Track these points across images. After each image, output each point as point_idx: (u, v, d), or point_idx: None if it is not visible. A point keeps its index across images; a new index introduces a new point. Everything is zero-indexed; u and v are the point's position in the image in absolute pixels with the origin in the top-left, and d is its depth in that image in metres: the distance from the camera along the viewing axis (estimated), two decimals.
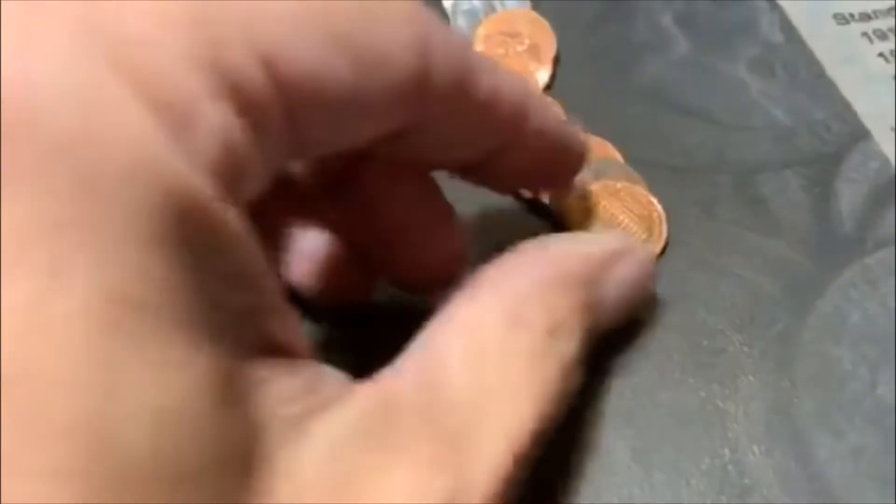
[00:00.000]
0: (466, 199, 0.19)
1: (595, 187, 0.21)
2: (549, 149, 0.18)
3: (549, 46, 0.25)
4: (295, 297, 0.18)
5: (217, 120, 0.11)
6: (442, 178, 0.18)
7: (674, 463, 0.18)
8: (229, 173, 0.11)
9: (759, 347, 0.20)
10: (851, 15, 0.27)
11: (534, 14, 0.25)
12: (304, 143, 0.13)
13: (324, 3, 0.13)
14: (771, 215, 0.22)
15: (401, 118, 0.14)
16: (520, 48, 0.25)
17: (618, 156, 0.22)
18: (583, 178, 0.20)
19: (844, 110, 0.24)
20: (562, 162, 0.18)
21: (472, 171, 0.18)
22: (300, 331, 0.13)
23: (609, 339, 0.20)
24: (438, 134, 0.16)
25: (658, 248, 0.21)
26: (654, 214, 0.21)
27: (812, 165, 0.23)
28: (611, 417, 0.19)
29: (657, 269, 0.19)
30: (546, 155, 0.18)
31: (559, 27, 0.25)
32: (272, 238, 0.18)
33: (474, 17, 0.26)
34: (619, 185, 0.21)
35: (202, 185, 0.11)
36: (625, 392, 0.19)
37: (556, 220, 0.21)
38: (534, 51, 0.25)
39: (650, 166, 0.22)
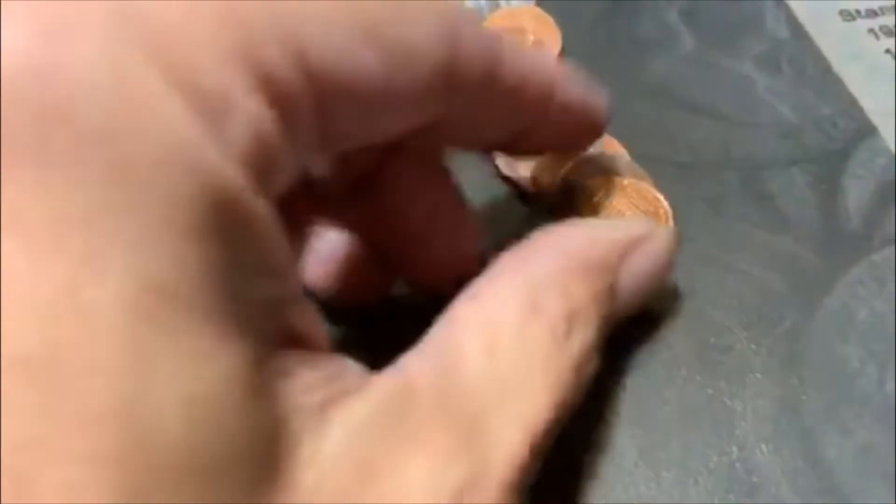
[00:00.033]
0: (467, 198, 0.19)
1: (601, 184, 0.21)
2: (575, 120, 0.18)
3: (554, 43, 0.25)
4: (310, 297, 0.18)
5: (250, 112, 0.11)
6: None
7: (681, 461, 0.18)
8: (260, 165, 0.11)
9: (767, 345, 0.20)
10: (858, 11, 0.27)
11: (538, 10, 0.25)
12: (332, 136, 0.13)
13: None
14: (778, 212, 0.22)
15: (430, 111, 0.14)
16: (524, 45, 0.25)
17: (624, 152, 0.22)
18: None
19: (851, 107, 0.24)
20: (586, 128, 0.19)
21: (497, 149, 0.18)
22: (320, 322, 0.13)
23: (615, 337, 0.20)
24: (467, 122, 0.16)
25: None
26: (661, 211, 0.21)
27: (819, 162, 0.23)
28: (618, 416, 0.19)
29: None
30: (571, 126, 0.18)
31: (564, 23, 0.25)
32: (291, 238, 0.18)
33: (479, 14, 0.26)
34: (625, 181, 0.21)
35: (235, 175, 0.11)
36: (632, 390, 0.19)
37: (560, 217, 0.21)
38: (539, 47, 0.25)
39: (656, 163, 0.22)
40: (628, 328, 0.19)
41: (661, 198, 0.21)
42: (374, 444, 0.12)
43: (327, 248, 0.18)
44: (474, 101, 0.15)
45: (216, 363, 0.10)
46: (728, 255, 0.21)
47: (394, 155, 0.17)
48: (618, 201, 0.21)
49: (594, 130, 0.19)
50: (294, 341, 0.12)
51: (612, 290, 0.16)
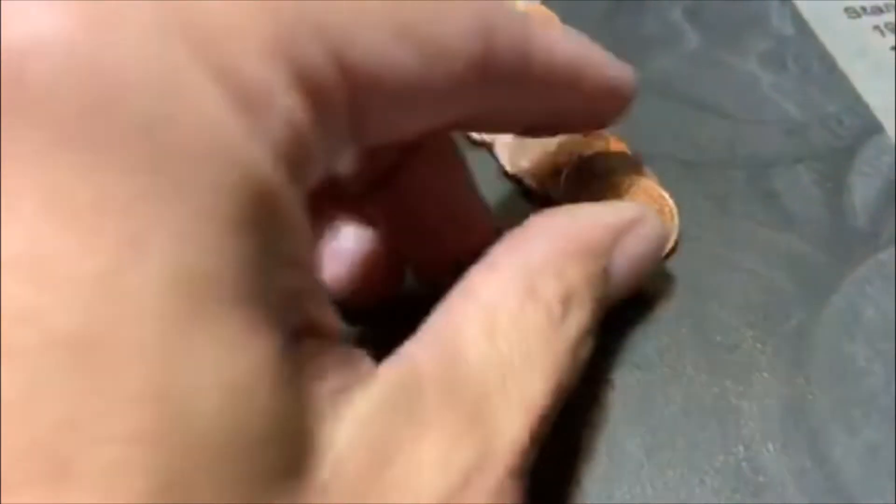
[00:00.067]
0: None
1: (605, 181, 0.21)
2: (603, 99, 0.18)
3: None
4: None
5: (287, 107, 0.11)
6: None
7: (687, 460, 0.18)
8: (295, 159, 0.12)
9: (773, 343, 0.19)
10: (863, 8, 0.27)
11: (543, 8, 0.25)
12: (365, 131, 0.13)
13: None
14: (784, 210, 0.22)
15: (463, 106, 0.15)
16: None
17: (629, 150, 0.22)
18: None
19: (857, 104, 0.24)
20: (613, 105, 0.19)
21: (528, 133, 0.18)
22: (334, 314, 0.13)
23: (620, 336, 0.19)
24: (500, 110, 0.16)
25: (671, 244, 0.20)
26: (667, 209, 0.21)
27: (825, 159, 0.23)
28: (623, 415, 0.18)
29: (668, 259, 0.19)
30: (599, 104, 0.18)
31: (569, 21, 0.25)
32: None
33: None
34: (630, 179, 0.21)
35: (272, 168, 0.11)
36: (637, 389, 0.19)
37: None
38: None
39: (661, 161, 0.22)
40: (632, 327, 0.19)
41: (667, 195, 0.21)
42: (386, 430, 0.12)
43: (342, 248, 0.19)
44: (507, 90, 0.15)
45: (249, 350, 0.10)
46: (734, 254, 0.21)
47: (412, 150, 0.17)
48: (622, 199, 0.21)
49: (622, 104, 0.19)
50: (311, 331, 0.12)
51: (605, 273, 0.16)
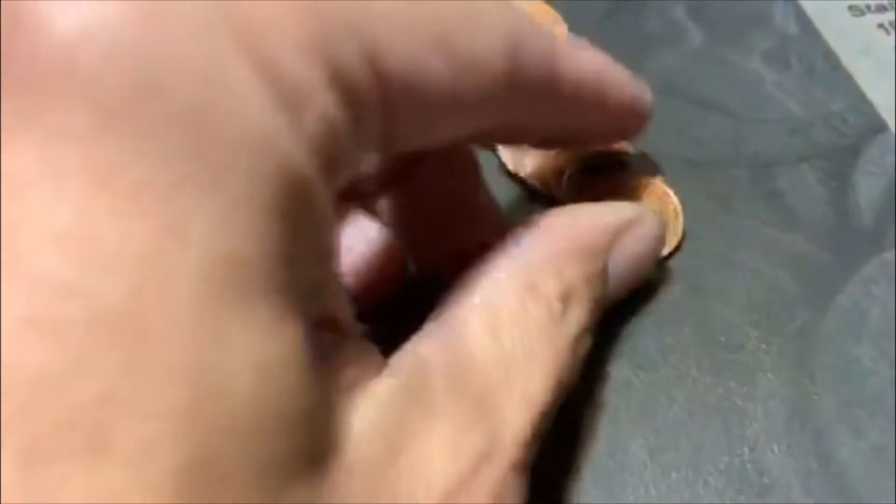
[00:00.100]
0: None
1: (609, 180, 0.21)
2: (624, 116, 0.18)
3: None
4: None
5: (324, 105, 0.12)
6: None
7: (691, 462, 0.18)
8: (329, 156, 0.12)
9: (778, 344, 0.19)
10: (867, 6, 0.26)
11: (546, 6, 0.25)
12: (394, 136, 0.14)
13: (428, 4, 0.13)
14: (788, 209, 0.22)
15: (490, 118, 0.15)
16: None
17: (633, 149, 0.22)
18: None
19: (861, 102, 0.24)
20: (633, 123, 0.19)
21: (549, 145, 0.19)
22: (349, 307, 0.14)
23: (623, 336, 0.19)
24: (523, 124, 0.16)
25: (674, 243, 0.20)
26: (671, 208, 0.21)
27: (829, 158, 0.23)
28: (627, 415, 0.18)
29: (671, 258, 0.19)
30: (620, 121, 0.19)
31: (571, 19, 0.25)
32: None
33: None
34: (633, 177, 0.21)
35: (307, 163, 0.11)
36: (641, 390, 0.19)
37: None
38: None
39: (665, 159, 0.22)
40: (635, 327, 0.19)
41: (671, 193, 0.21)
42: (399, 419, 0.13)
43: (347, 245, 0.19)
44: (533, 105, 0.16)
45: (280, 335, 0.11)
46: (737, 253, 0.21)
47: (428, 150, 0.17)
48: (626, 198, 0.21)
49: (641, 122, 0.19)
50: (328, 323, 0.13)
51: (603, 272, 0.17)
